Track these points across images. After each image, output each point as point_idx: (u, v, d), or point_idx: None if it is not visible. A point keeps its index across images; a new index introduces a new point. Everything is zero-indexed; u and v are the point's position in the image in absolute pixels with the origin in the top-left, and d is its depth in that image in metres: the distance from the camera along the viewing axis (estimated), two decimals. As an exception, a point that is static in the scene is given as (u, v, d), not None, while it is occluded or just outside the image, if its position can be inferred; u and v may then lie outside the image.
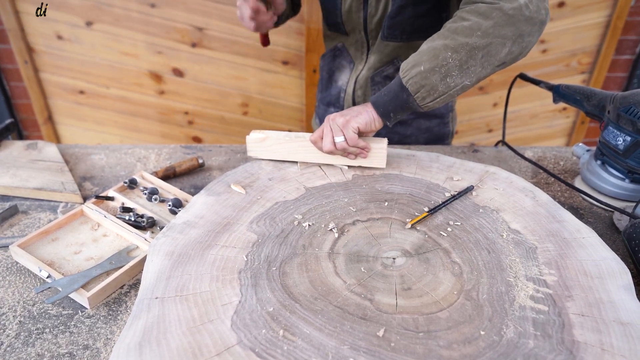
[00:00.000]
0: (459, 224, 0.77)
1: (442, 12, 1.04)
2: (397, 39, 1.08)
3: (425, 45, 0.83)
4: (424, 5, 1.02)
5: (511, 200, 0.82)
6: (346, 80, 1.23)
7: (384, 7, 1.05)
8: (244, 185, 0.85)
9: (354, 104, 1.23)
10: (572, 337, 0.56)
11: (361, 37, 1.14)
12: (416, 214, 0.79)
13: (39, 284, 0.72)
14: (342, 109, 1.28)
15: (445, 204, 0.80)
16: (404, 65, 0.84)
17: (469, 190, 0.84)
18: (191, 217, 0.77)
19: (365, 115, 0.87)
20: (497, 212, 0.79)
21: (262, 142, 0.94)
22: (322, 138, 0.89)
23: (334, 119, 0.88)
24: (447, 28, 0.83)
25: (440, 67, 0.80)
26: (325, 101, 1.33)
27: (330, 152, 0.89)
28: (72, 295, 0.68)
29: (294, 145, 0.92)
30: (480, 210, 0.80)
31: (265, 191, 0.84)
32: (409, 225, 0.75)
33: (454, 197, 0.82)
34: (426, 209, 0.79)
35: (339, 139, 0.87)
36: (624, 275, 0.65)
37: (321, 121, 1.36)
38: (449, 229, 0.75)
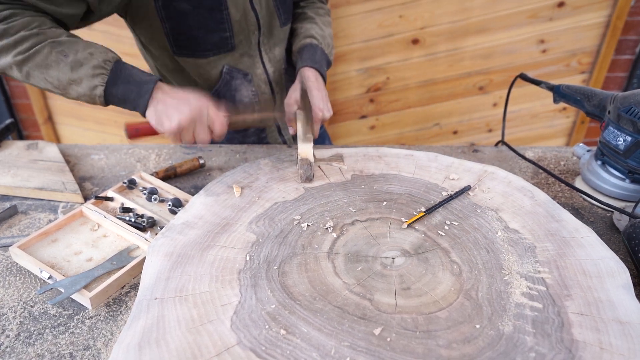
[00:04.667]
0: (458, 223, 0.77)
1: None
2: (289, 21, 1.15)
3: (328, 31, 1.18)
4: None
5: (510, 199, 0.82)
6: (249, 93, 1.15)
7: None
8: (243, 186, 0.85)
9: (276, 99, 1.20)
10: (571, 336, 0.56)
11: (252, 40, 1.07)
12: (414, 213, 0.79)
13: (39, 284, 0.72)
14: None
15: (442, 203, 0.80)
16: (325, 44, 1.13)
17: (465, 190, 0.84)
18: (190, 217, 0.77)
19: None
20: (495, 212, 0.79)
21: None
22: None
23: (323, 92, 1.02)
24: (329, 22, 1.22)
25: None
26: (241, 132, 1.23)
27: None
28: (73, 296, 0.69)
29: None
30: (479, 210, 0.80)
31: (264, 191, 0.84)
32: (405, 225, 0.75)
33: (450, 197, 0.82)
34: (423, 209, 0.79)
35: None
36: (623, 274, 0.65)
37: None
38: (448, 229, 0.75)
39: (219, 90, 1.13)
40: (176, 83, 1.15)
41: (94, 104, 0.84)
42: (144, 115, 0.85)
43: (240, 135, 1.24)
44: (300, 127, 0.95)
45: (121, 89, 0.83)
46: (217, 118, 0.86)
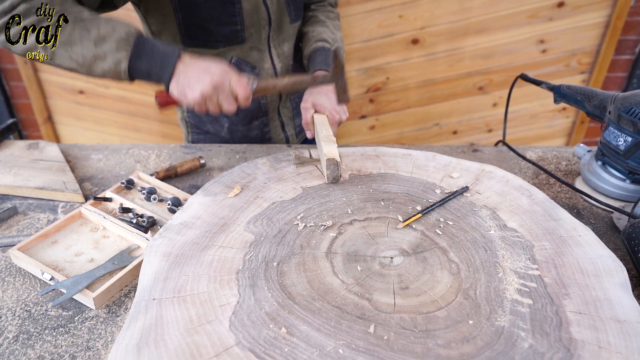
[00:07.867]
0: (455, 223, 0.77)
1: None
2: (299, 18, 1.15)
3: (339, 35, 1.18)
4: None
5: (507, 198, 0.82)
6: None
7: None
8: (242, 186, 0.85)
9: (281, 95, 1.21)
10: (569, 335, 0.56)
11: (262, 34, 1.07)
12: (412, 213, 0.79)
13: (38, 285, 0.72)
14: (266, 117, 1.22)
15: (438, 203, 0.80)
16: (337, 48, 1.13)
17: (463, 191, 0.84)
18: (188, 217, 0.77)
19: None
20: (493, 211, 0.79)
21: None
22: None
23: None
24: (339, 26, 1.23)
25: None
26: (245, 124, 1.22)
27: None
28: (76, 297, 0.69)
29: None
30: (477, 209, 0.80)
31: (262, 191, 0.84)
32: (401, 226, 0.75)
33: (447, 197, 0.82)
34: (419, 208, 0.79)
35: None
36: (620, 273, 0.65)
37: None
38: (446, 228, 0.75)
39: None
40: None
41: (119, 79, 0.83)
42: (167, 88, 0.83)
43: (245, 128, 1.24)
44: (320, 129, 0.94)
45: (145, 62, 0.81)
46: (240, 84, 0.82)
